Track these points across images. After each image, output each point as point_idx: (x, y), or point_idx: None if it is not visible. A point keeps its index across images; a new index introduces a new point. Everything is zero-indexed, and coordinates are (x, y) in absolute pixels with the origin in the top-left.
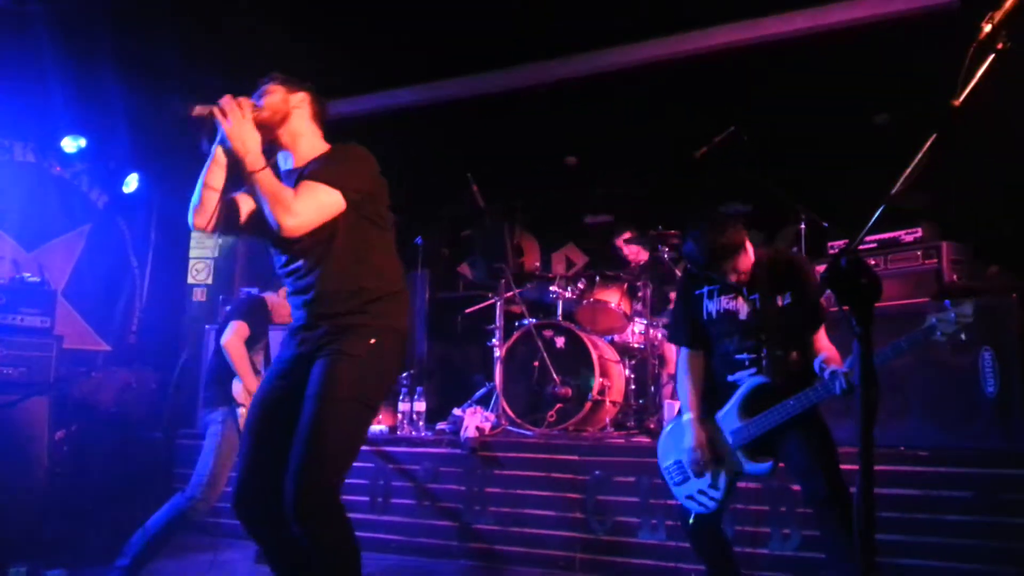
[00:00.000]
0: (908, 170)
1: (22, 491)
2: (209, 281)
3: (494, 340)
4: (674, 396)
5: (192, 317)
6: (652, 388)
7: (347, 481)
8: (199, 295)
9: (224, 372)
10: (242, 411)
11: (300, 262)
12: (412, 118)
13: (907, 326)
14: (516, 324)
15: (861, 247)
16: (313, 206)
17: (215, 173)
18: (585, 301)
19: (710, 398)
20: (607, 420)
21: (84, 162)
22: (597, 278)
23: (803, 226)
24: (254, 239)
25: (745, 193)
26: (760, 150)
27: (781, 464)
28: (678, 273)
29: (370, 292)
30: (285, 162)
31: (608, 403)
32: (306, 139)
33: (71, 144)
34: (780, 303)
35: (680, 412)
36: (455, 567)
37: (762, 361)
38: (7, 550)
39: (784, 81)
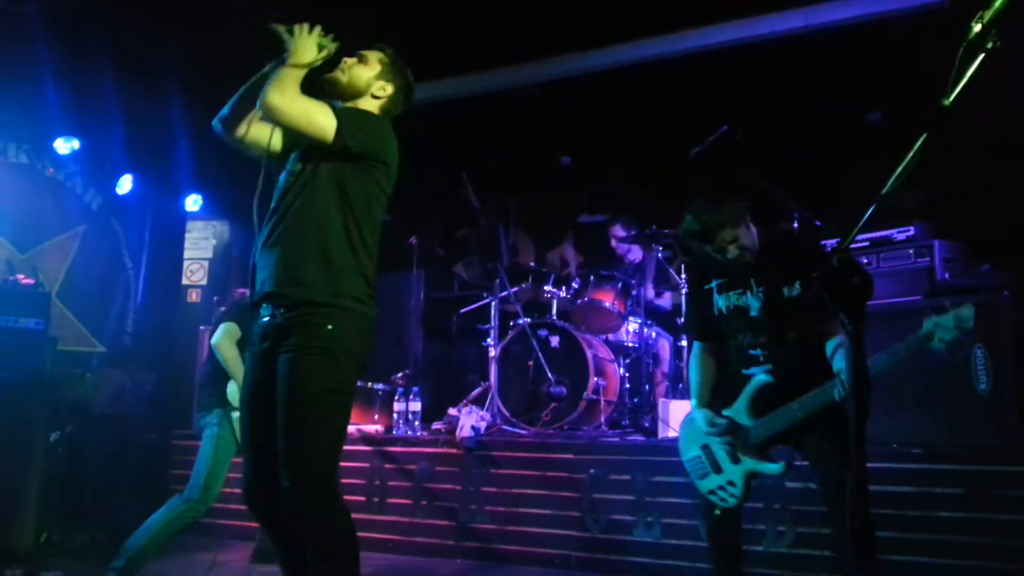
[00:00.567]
0: (900, 169)
1: (18, 493)
2: (204, 282)
3: (489, 340)
4: (668, 395)
5: (187, 318)
6: (646, 387)
7: (343, 481)
8: (194, 296)
9: (219, 374)
10: (236, 414)
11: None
12: (406, 117)
13: (899, 325)
14: (511, 324)
15: (853, 246)
16: (303, 105)
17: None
18: (580, 300)
19: (727, 390)
20: (602, 419)
21: (78, 163)
22: (592, 277)
23: (796, 224)
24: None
25: (738, 191)
26: (753, 149)
27: (799, 462)
28: (672, 273)
29: (328, 274)
30: None
31: (603, 402)
32: (360, 104)
33: (65, 146)
34: (788, 294)
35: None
36: (451, 566)
37: (774, 357)
38: (3, 552)
39: (776, 80)
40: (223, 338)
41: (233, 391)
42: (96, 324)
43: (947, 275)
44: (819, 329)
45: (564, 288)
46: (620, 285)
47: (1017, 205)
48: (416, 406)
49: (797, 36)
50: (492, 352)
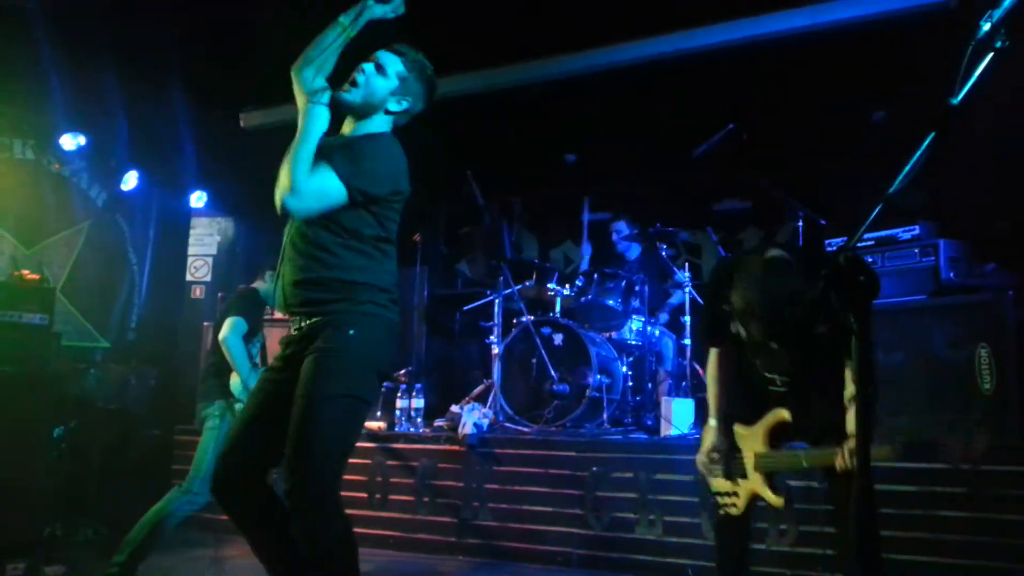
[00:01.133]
0: (906, 168)
1: (21, 487)
2: (208, 278)
3: (492, 337)
4: (670, 393)
5: (191, 314)
6: (649, 385)
7: (345, 478)
8: (198, 292)
9: (222, 366)
10: (239, 406)
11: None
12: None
13: (904, 324)
14: (514, 321)
15: (858, 245)
16: (316, 190)
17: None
18: (583, 298)
19: (752, 396)
20: (605, 417)
21: (83, 160)
22: (595, 275)
23: (800, 223)
24: None
25: (743, 191)
26: (758, 148)
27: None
28: (676, 270)
29: (351, 280)
30: (345, 125)
31: (606, 400)
32: (372, 124)
33: (70, 142)
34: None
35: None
36: (453, 563)
37: (792, 386)
38: (6, 546)
39: (782, 79)
40: (231, 333)
41: (236, 384)
42: (100, 319)
43: (952, 274)
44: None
45: (568, 286)
46: (624, 283)
47: (1022, 204)
48: (419, 403)
49: (802, 35)
50: (495, 349)
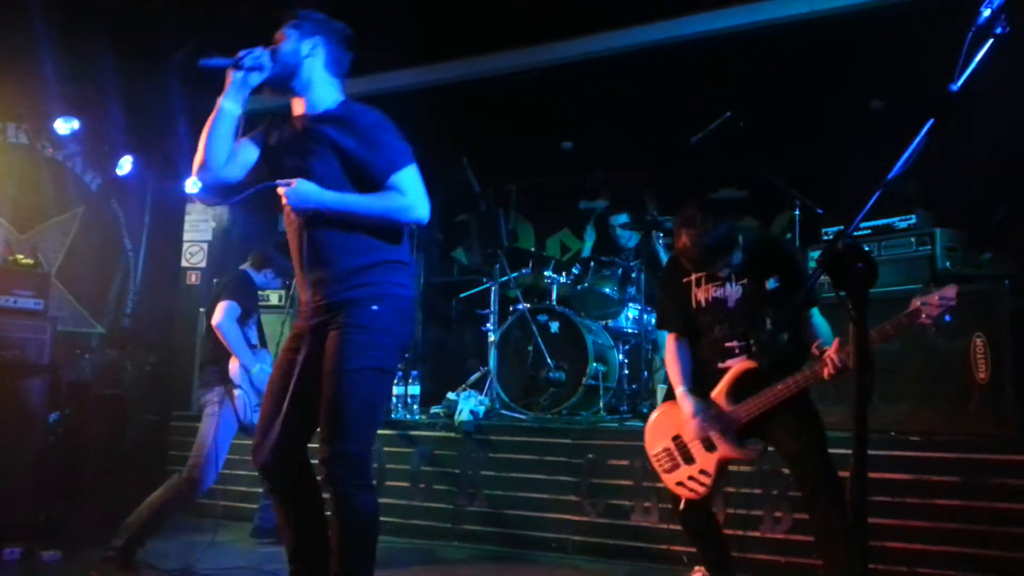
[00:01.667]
0: (904, 157)
1: (17, 473)
2: (203, 264)
3: (488, 325)
4: (666, 381)
5: (186, 300)
6: (645, 373)
7: None
8: (193, 278)
9: (219, 352)
10: (237, 391)
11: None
12: (406, 102)
13: (900, 313)
14: (511, 309)
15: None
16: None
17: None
18: (580, 286)
19: (701, 385)
20: (600, 404)
21: (78, 144)
22: (592, 263)
23: (798, 212)
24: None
25: (740, 179)
26: (756, 136)
27: (770, 448)
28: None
29: (373, 259)
30: (296, 107)
31: (602, 387)
32: (318, 88)
33: (64, 126)
34: (767, 288)
35: (665, 399)
36: (449, 549)
37: (752, 347)
38: (2, 532)
39: (780, 67)
40: (224, 317)
41: (236, 368)
42: (95, 305)
43: (948, 263)
44: (796, 322)
45: (564, 274)
46: (620, 271)
47: (1019, 194)
48: (415, 390)
49: (800, 22)
50: (491, 337)
